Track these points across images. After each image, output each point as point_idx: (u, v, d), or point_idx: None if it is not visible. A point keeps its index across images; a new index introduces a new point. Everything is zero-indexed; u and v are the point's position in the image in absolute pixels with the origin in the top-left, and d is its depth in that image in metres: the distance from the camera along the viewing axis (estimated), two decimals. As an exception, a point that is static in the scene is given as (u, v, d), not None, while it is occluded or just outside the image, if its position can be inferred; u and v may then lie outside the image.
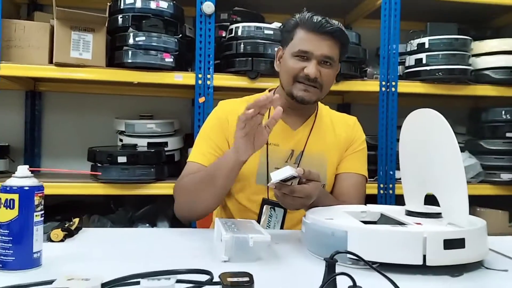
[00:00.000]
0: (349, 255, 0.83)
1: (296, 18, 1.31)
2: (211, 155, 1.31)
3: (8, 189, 0.80)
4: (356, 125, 1.46)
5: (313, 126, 1.39)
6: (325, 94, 1.34)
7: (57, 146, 2.51)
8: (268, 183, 1.29)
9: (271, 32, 2.12)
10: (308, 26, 1.28)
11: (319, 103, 1.45)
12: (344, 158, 1.40)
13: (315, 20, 1.27)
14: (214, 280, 0.67)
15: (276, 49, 1.41)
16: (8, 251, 0.80)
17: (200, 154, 1.33)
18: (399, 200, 2.09)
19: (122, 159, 2.04)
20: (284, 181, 1.04)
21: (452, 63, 2.25)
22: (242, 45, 2.12)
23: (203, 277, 0.70)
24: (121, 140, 2.28)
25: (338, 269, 0.65)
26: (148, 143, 2.24)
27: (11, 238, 0.80)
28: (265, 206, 1.31)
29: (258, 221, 1.28)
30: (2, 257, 0.80)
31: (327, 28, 1.26)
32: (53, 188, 1.98)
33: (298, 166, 1.31)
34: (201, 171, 1.25)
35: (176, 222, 2.10)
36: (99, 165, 2.06)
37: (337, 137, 1.41)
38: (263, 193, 1.32)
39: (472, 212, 1.01)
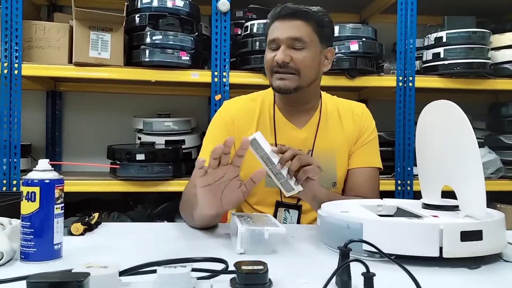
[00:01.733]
0: (365, 246, 0.83)
1: (270, 13, 1.31)
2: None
3: (29, 182, 0.83)
4: (365, 113, 1.40)
5: (319, 124, 1.35)
6: (308, 80, 1.28)
7: (77, 145, 2.57)
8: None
9: (287, 28, 2.12)
10: (273, 14, 1.28)
11: (322, 94, 1.41)
12: (354, 152, 1.36)
13: (279, 9, 1.26)
14: (229, 269, 0.68)
15: None
16: (30, 243, 0.82)
17: (207, 156, 1.32)
18: (417, 197, 2.06)
19: (140, 157, 2.07)
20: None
21: (470, 57, 2.22)
22: (257, 42, 2.13)
23: (219, 266, 0.71)
24: (139, 138, 2.31)
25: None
26: (166, 141, 2.27)
27: (32, 230, 0.82)
28: (279, 209, 1.31)
29: None
30: (24, 248, 0.83)
31: (288, 10, 1.24)
32: (73, 185, 2.03)
33: None
34: (192, 196, 1.10)
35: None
36: (118, 162, 2.10)
37: (345, 131, 1.36)
38: (275, 196, 1.31)
39: (492, 208, 0.99)
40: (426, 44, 2.35)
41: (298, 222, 1.31)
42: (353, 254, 0.67)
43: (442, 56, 2.25)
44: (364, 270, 0.60)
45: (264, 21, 2.25)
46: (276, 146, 1.30)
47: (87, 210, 1.84)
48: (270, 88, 1.41)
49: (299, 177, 1.06)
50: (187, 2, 2.11)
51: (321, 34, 1.29)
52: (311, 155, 1.32)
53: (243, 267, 0.63)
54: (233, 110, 1.37)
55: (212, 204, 0.97)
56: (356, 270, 0.64)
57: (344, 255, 0.64)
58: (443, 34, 2.27)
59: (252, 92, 1.45)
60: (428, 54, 2.32)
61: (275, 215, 1.31)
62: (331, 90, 1.51)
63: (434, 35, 2.30)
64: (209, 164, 0.92)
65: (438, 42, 2.28)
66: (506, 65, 2.31)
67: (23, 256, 0.83)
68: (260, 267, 0.64)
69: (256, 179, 0.96)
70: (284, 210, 1.30)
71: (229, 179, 0.96)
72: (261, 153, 1.03)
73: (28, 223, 0.82)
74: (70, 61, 2.04)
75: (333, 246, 0.95)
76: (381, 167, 1.39)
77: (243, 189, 0.97)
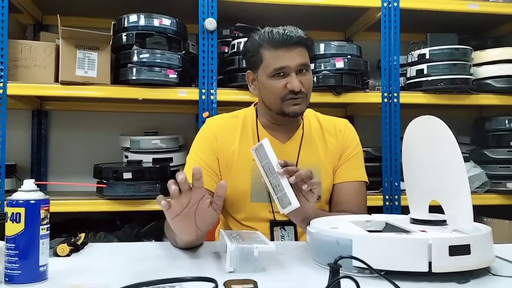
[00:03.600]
0: (354, 262, 0.83)
1: (257, 39, 1.30)
2: (203, 174, 1.30)
3: (14, 203, 0.81)
4: (347, 128, 1.42)
5: (302, 138, 1.37)
6: (309, 100, 1.33)
7: (63, 164, 2.53)
8: (264, 199, 1.29)
9: (273, 46, 2.14)
10: (274, 43, 1.26)
11: None
12: (339, 167, 1.37)
13: (279, 36, 1.26)
14: (219, 288, 0.68)
15: (246, 73, 1.39)
16: (15, 265, 0.81)
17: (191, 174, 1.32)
18: (405, 212, 2.07)
19: (127, 175, 2.05)
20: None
21: (453, 73, 2.26)
22: (244, 60, 2.14)
23: (208, 286, 0.70)
24: (126, 157, 2.29)
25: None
26: (153, 159, 2.25)
27: (17, 252, 0.81)
28: (274, 228, 1.31)
29: None
30: (8, 271, 0.81)
31: (294, 38, 1.26)
32: (59, 205, 1.99)
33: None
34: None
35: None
36: (104, 181, 2.07)
37: (328, 146, 1.38)
38: (261, 210, 1.31)
39: (479, 222, 1.00)
40: (409, 60, 2.39)
41: (296, 237, 1.31)
42: (343, 271, 0.67)
43: (425, 72, 2.29)
44: (355, 286, 0.60)
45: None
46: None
47: (73, 230, 1.81)
48: (252, 106, 1.43)
49: (304, 188, 1.05)
50: (174, 20, 2.13)
51: (311, 55, 1.33)
52: None
53: (233, 286, 0.63)
54: (216, 127, 1.38)
55: (188, 230, 0.98)
56: (347, 286, 0.64)
57: (334, 271, 0.64)
58: (426, 51, 2.31)
59: (238, 109, 1.46)
60: (412, 71, 2.37)
61: (272, 235, 1.30)
62: (318, 106, 1.53)
63: (418, 52, 2.35)
64: (171, 194, 0.92)
65: (422, 58, 2.33)
66: (488, 81, 2.36)
67: (7, 279, 0.81)
68: (250, 285, 0.63)
69: (220, 193, 0.96)
70: (280, 228, 1.30)
71: (196, 202, 0.95)
72: (264, 161, 1.02)
73: (12, 245, 0.81)
74: (56, 80, 2.03)
75: (323, 263, 0.94)
76: (367, 180, 1.40)
77: (214, 206, 0.97)
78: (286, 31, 1.27)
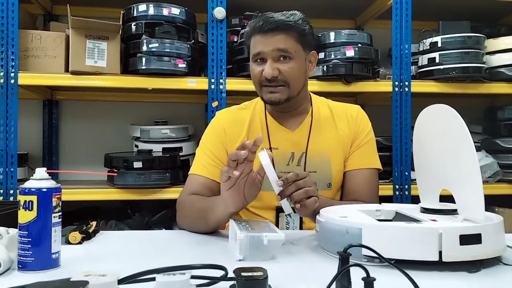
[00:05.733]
0: (364, 251, 0.83)
1: (248, 26, 1.32)
2: (211, 166, 1.31)
3: (27, 191, 0.82)
4: (360, 115, 1.40)
5: (311, 125, 1.36)
6: (297, 90, 1.29)
7: (74, 153, 2.56)
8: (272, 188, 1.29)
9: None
10: (255, 29, 1.26)
11: (312, 96, 1.42)
12: (351, 154, 1.36)
13: (260, 22, 1.25)
14: (228, 276, 0.68)
15: None
16: (28, 252, 0.82)
17: (201, 166, 1.33)
18: (415, 201, 2.06)
19: (137, 165, 2.06)
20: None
21: (465, 61, 2.23)
22: (253, 49, 2.14)
23: (218, 273, 0.71)
24: (136, 146, 2.31)
25: (352, 264, 0.65)
26: (163, 148, 2.26)
27: (30, 239, 0.82)
28: (280, 214, 1.31)
29: None
30: (22, 258, 0.82)
31: (269, 24, 1.23)
32: (70, 194, 2.02)
33: (304, 169, 1.31)
34: (200, 202, 1.22)
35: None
36: (115, 170, 2.09)
37: (339, 133, 1.36)
38: (270, 199, 1.30)
39: (490, 212, 0.99)
40: (421, 49, 2.36)
41: (301, 225, 1.31)
42: (352, 259, 0.67)
43: (437, 61, 2.26)
44: (364, 275, 0.60)
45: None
46: (270, 150, 1.31)
47: (84, 218, 1.84)
48: (255, 99, 1.43)
49: (296, 199, 1.02)
50: (183, 10, 2.12)
51: (303, 42, 1.28)
52: (305, 157, 1.33)
53: (243, 274, 0.63)
54: (224, 120, 1.39)
55: (237, 201, 1.05)
56: (356, 275, 0.64)
57: (344, 260, 0.64)
58: (438, 39, 2.28)
59: (248, 98, 1.47)
60: (423, 59, 2.34)
61: (277, 221, 1.31)
62: (328, 96, 1.51)
63: (429, 40, 2.32)
64: (227, 165, 0.99)
65: (433, 47, 2.29)
66: (501, 69, 2.32)
67: (20, 266, 0.82)
68: (260, 273, 0.64)
69: (265, 161, 0.99)
70: (286, 215, 1.31)
71: (246, 175, 1.03)
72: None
73: (25, 232, 0.82)
74: (66, 70, 2.04)
75: (333, 252, 0.94)
76: (380, 167, 1.39)
77: (259, 178, 1.04)
78: (269, 17, 1.25)
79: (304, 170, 1.31)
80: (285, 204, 1.03)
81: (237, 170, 0.99)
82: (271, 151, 1.32)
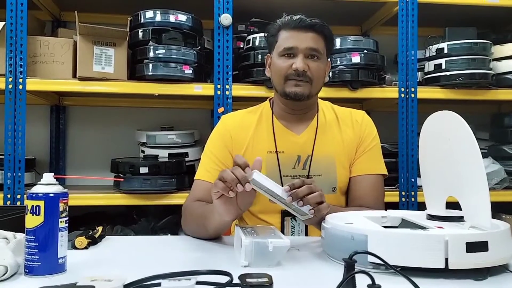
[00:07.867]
0: (370, 258, 0.83)
1: (277, 22, 1.35)
2: (216, 171, 1.31)
3: (34, 196, 0.83)
4: (365, 120, 1.41)
5: (317, 128, 1.37)
6: (317, 90, 1.34)
7: (81, 159, 2.57)
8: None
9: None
10: (289, 24, 1.31)
11: (319, 101, 1.43)
12: (357, 160, 1.36)
13: (295, 18, 1.30)
14: (234, 282, 0.68)
15: (266, 57, 1.42)
16: (34, 257, 0.82)
17: (206, 171, 1.34)
18: (421, 208, 2.05)
19: (144, 170, 2.07)
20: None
21: (472, 67, 2.22)
22: (259, 56, 2.14)
23: (223, 279, 0.71)
24: (143, 152, 2.32)
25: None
26: (169, 154, 2.27)
27: (37, 244, 0.82)
28: (285, 218, 1.31)
29: None
30: (28, 262, 0.83)
31: (307, 22, 1.29)
32: (77, 199, 2.02)
33: (308, 173, 1.32)
34: (200, 209, 1.23)
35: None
36: (121, 175, 2.10)
37: (344, 137, 1.37)
38: (274, 203, 1.31)
39: (497, 219, 0.99)
40: (427, 55, 2.36)
41: (307, 229, 1.31)
42: (358, 266, 0.67)
43: (443, 67, 2.26)
44: (370, 282, 0.60)
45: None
46: (276, 153, 1.32)
47: (90, 223, 1.85)
48: (267, 101, 1.43)
49: (312, 201, 1.03)
50: (190, 16, 2.14)
51: (328, 47, 1.35)
52: (311, 160, 1.33)
53: (248, 280, 0.63)
54: (230, 124, 1.40)
55: (230, 210, 1.02)
56: (362, 282, 0.63)
57: (349, 267, 0.64)
58: (444, 45, 2.28)
59: (253, 104, 1.48)
60: (429, 65, 2.33)
61: (282, 225, 1.31)
62: (334, 102, 1.51)
63: (436, 46, 2.31)
64: (220, 185, 0.98)
65: (440, 53, 2.29)
66: (508, 76, 2.31)
67: (27, 270, 0.83)
68: (265, 279, 0.64)
69: (257, 168, 1.00)
70: (291, 218, 1.31)
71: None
72: (264, 188, 1.01)
73: (32, 237, 0.82)
74: (74, 76, 2.06)
75: (338, 258, 0.94)
76: (386, 173, 1.39)
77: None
78: (303, 16, 1.31)
79: (309, 174, 1.32)
80: (299, 209, 1.02)
81: (230, 192, 0.97)
82: (277, 154, 1.32)
